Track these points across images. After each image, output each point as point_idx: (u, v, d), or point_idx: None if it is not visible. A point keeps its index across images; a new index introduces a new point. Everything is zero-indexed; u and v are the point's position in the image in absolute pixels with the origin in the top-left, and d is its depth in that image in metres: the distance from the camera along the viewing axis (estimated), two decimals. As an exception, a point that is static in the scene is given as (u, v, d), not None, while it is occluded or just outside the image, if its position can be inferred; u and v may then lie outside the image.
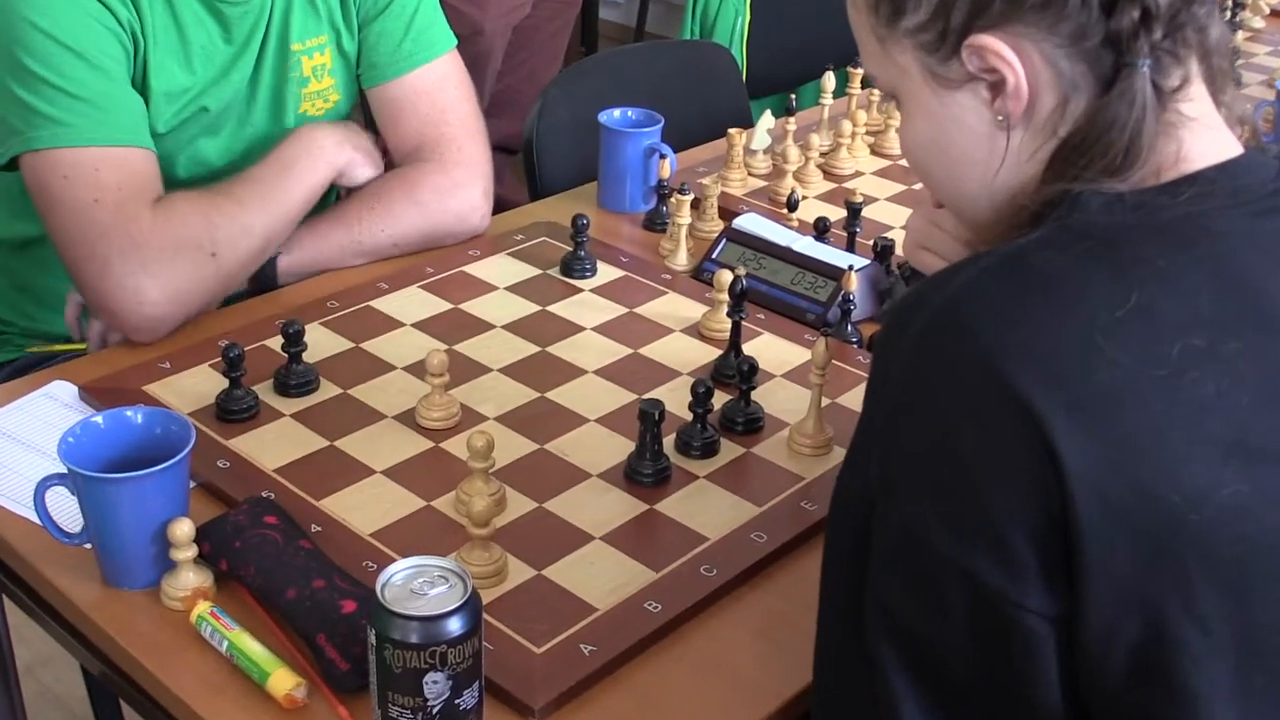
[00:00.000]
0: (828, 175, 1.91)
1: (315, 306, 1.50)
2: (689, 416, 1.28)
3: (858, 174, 1.93)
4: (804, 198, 1.79)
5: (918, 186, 1.83)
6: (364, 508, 1.19)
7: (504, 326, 1.49)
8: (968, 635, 0.78)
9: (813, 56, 2.38)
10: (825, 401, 1.31)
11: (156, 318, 1.40)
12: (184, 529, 1.06)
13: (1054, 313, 0.77)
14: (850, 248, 1.64)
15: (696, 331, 1.50)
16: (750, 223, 1.66)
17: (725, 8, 2.79)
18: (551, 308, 1.53)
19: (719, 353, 1.44)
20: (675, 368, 1.42)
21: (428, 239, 1.63)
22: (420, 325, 1.48)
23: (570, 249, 1.60)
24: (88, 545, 1.11)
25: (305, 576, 1.06)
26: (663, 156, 1.74)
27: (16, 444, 1.27)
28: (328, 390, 1.35)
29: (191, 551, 1.07)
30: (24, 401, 1.33)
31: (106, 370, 1.37)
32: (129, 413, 1.13)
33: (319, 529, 1.15)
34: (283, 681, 0.99)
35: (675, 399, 1.31)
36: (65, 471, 1.07)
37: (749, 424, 1.32)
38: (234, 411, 1.29)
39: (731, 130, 1.86)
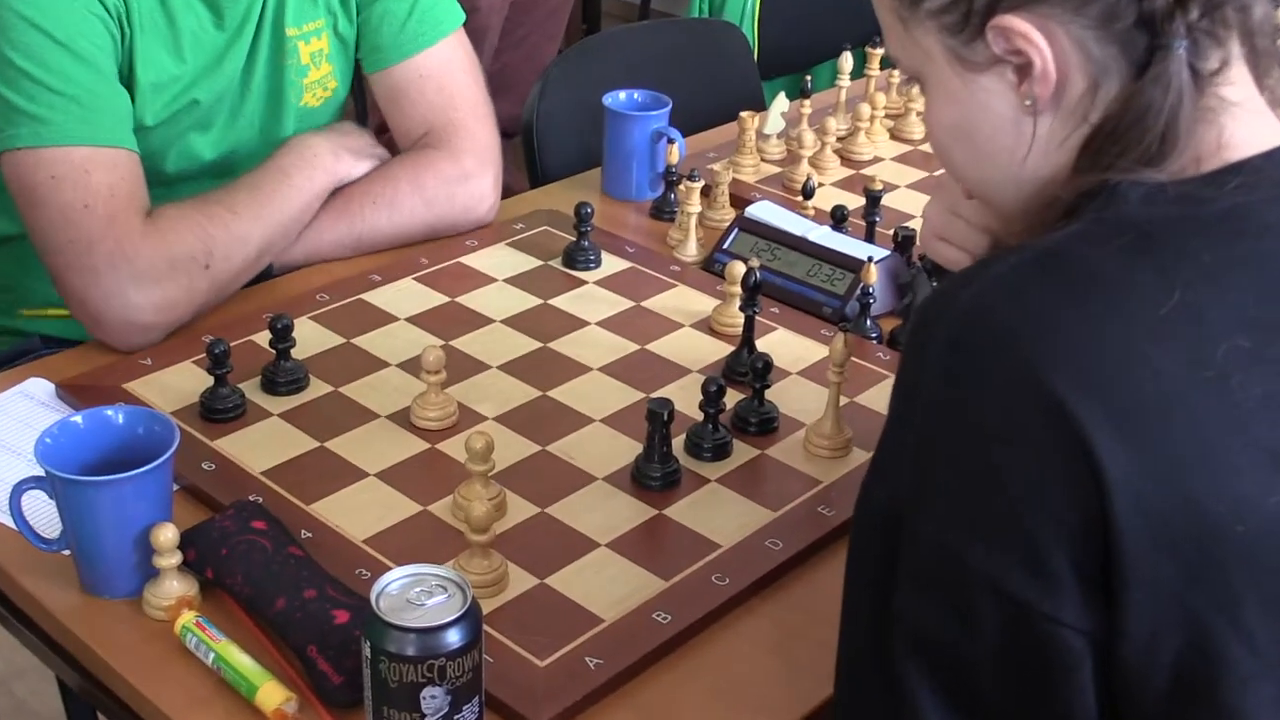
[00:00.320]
0: (845, 161, 1.91)
1: (304, 300, 1.50)
2: (699, 416, 1.29)
3: (877, 160, 1.93)
4: (820, 185, 1.80)
5: (940, 172, 1.83)
6: (357, 512, 1.19)
7: (503, 321, 1.49)
8: (999, 652, 0.79)
9: (829, 35, 2.38)
10: (843, 400, 1.32)
11: (145, 329, 1.40)
12: (167, 535, 1.06)
13: (1096, 314, 0.77)
14: (869, 238, 1.65)
15: (707, 326, 1.50)
16: (763, 211, 1.67)
17: (736, -17, 2.80)
18: (553, 301, 1.53)
19: (731, 349, 1.44)
20: (685, 365, 1.43)
21: (432, 231, 1.63)
22: (415, 319, 1.48)
23: (573, 239, 1.61)
24: (66, 552, 1.11)
25: (295, 585, 1.07)
26: (671, 141, 1.74)
27: (-10, 445, 1.27)
28: (318, 388, 1.36)
29: (175, 558, 1.07)
30: (-2, 400, 1.33)
31: (85, 367, 1.38)
32: (109, 412, 1.13)
33: (309, 535, 1.16)
34: (272, 696, 1.00)
35: (685, 398, 1.31)
36: (42, 474, 1.07)
37: (763, 424, 1.32)
38: (219, 411, 1.30)
39: (743, 113, 1.86)
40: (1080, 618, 0.76)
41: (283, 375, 1.35)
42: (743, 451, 1.30)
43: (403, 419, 1.31)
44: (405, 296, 1.52)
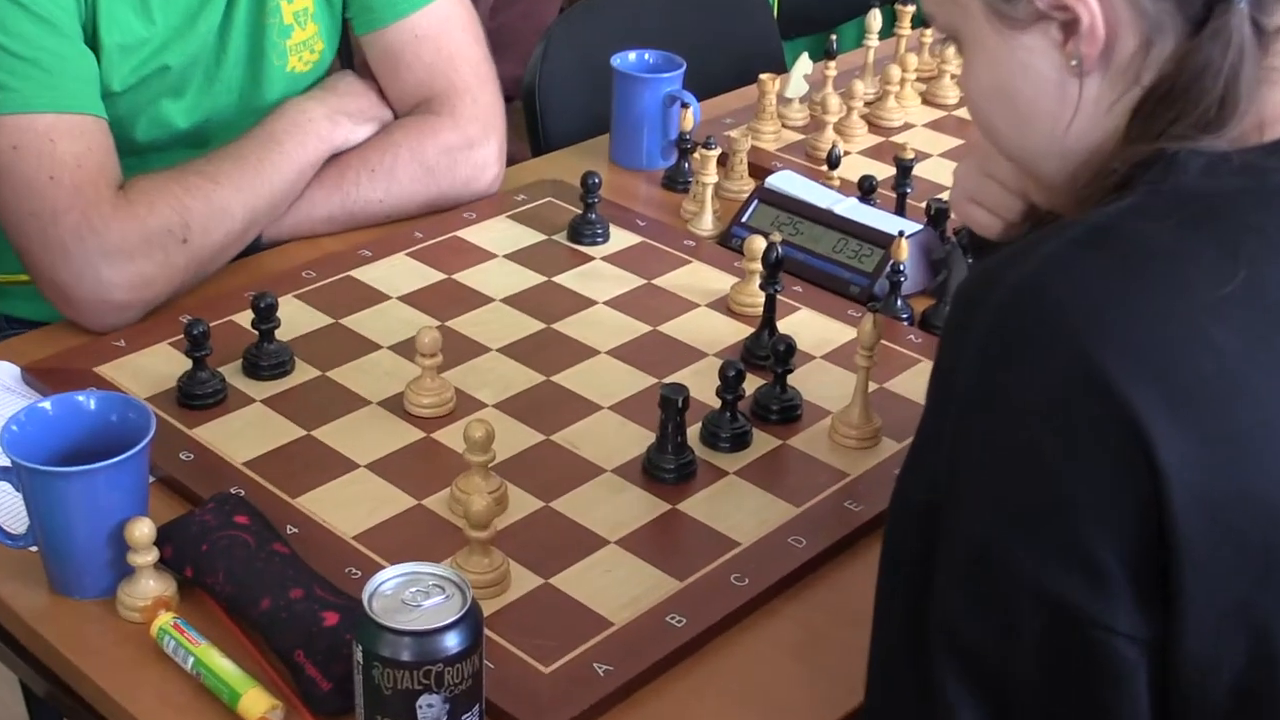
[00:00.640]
0: (873, 128, 1.91)
1: (290, 277, 1.50)
2: (716, 403, 1.28)
3: (907, 126, 1.93)
4: (846, 153, 1.79)
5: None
6: (347, 506, 1.19)
7: (504, 300, 1.49)
8: (1043, 661, 0.78)
9: (855, -9, 2.38)
10: (872, 387, 1.31)
11: (119, 308, 1.40)
12: (143, 530, 1.06)
13: (1154, 292, 0.77)
14: (900, 211, 1.64)
15: (724, 306, 1.50)
16: (785, 182, 1.66)
17: (754, -65, 2.79)
18: (558, 279, 1.53)
19: (750, 330, 1.44)
20: (700, 348, 1.42)
21: (431, 204, 1.63)
22: (409, 298, 1.48)
23: (579, 211, 1.60)
24: (34, 548, 1.11)
25: (281, 585, 1.06)
26: (684, 105, 1.74)
27: (-48, 433, 1.27)
28: (304, 372, 1.36)
29: (152, 555, 1.07)
30: (-40, 384, 1.33)
31: (54, 349, 1.38)
32: (80, 398, 1.13)
33: (295, 530, 1.16)
34: (256, 703, 1.00)
35: (700, 383, 1.31)
36: (8, 464, 1.07)
37: (785, 412, 1.32)
38: (198, 396, 1.30)
39: (763, 76, 1.85)
40: (1136, 626, 0.76)
41: (266, 358, 1.34)
42: (763, 442, 1.29)
43: (396, 406, 1.31)
44: (398, 273, 1.52)
